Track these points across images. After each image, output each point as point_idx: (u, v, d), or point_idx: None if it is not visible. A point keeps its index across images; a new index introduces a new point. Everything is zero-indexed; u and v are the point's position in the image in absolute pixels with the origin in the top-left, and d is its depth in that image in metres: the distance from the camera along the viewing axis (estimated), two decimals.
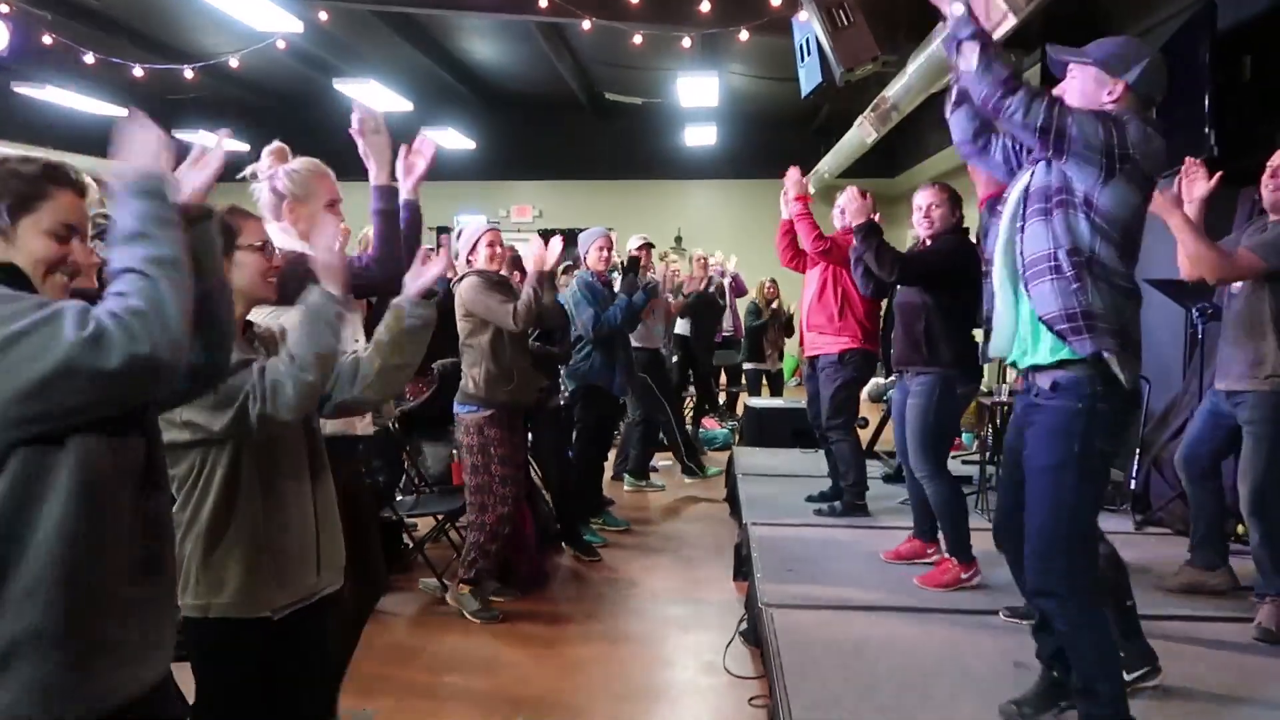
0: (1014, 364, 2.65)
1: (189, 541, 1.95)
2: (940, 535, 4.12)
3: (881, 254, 3.99)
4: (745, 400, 8.60)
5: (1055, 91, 2.48)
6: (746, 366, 9.33)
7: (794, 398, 9.19)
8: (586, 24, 6.35)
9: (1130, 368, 2.42)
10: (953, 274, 3.95)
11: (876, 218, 4.24)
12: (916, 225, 4.08)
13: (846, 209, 4.26)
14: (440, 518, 4.96)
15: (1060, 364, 2.45)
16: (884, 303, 4.94)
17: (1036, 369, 2.53)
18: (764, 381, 9.42)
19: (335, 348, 1.97)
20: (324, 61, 10.33)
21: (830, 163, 10.42)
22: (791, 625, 3.45)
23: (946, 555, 4.00)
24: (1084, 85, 2.49)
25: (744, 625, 3.94)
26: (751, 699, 3.43)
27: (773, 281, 9.33)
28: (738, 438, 8.28)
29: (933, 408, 3.94)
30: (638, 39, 6.99)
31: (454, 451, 4.97)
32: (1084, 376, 2.41)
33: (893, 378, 8.19)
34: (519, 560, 4.56)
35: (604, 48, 9.30)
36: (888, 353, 4.45)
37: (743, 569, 4.67)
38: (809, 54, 5.83)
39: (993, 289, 2.62)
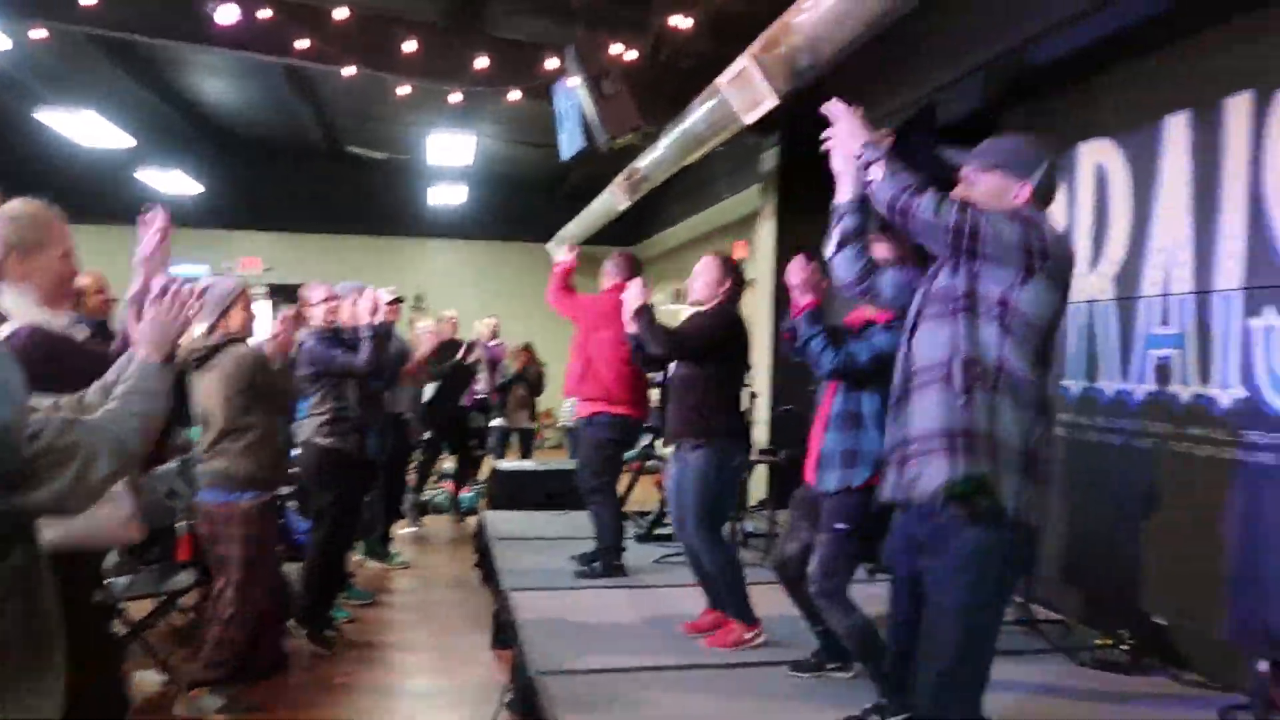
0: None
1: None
2: None
3: (654, 332, 4.10)
4: (492, 463, 8.44)
5: (953, 195, 2.37)
6: (493, 424, 9.17)
7: (544, 460, 9.15)
8: (351, 70, 6.05)
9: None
10: (720, 345, 4.12)
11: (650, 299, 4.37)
12: (690, 290, 4.24)
13: (626, 297, 4.22)
14: (162, 599, 4.40)
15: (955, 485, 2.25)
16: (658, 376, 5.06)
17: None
18: (509, 441, 9.29)
19: (158, 422, 1.73)
20: (25, 86, 9.22)
21: (578, 227, 10.63)
22: (566, 691, 3.36)
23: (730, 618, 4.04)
24: (988, 189, 2.39)
25: (509, 696, 3.78)
26: None
27: (525, 346, 9.32)
28: (484, 501, 8.09)
29: (713, 477, 4.02)
30: (403, 90, 6.68)
31: (180, 525, 4.46)
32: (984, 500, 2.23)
33: (647, 441, 8.39)
34: (263, 641, 4.12)
35: (353, 96, 8.95)
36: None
37: (501, 637, 4.51)
38: (569, 120, 5.93)
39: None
